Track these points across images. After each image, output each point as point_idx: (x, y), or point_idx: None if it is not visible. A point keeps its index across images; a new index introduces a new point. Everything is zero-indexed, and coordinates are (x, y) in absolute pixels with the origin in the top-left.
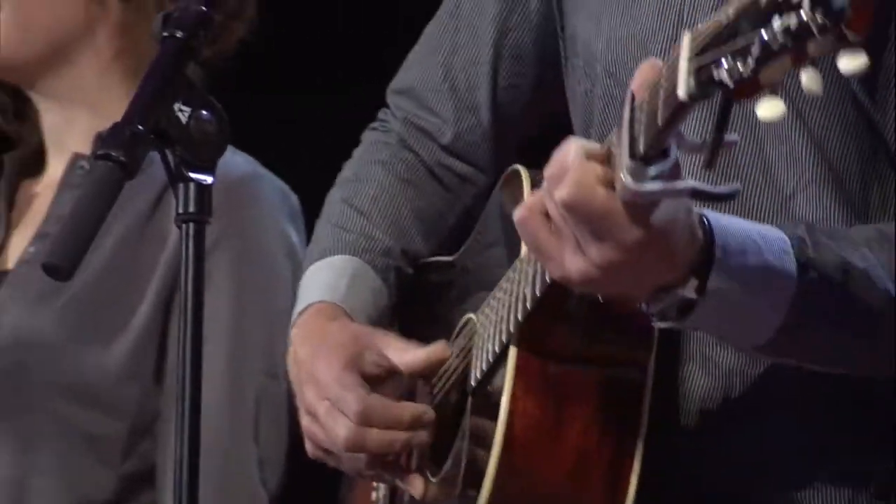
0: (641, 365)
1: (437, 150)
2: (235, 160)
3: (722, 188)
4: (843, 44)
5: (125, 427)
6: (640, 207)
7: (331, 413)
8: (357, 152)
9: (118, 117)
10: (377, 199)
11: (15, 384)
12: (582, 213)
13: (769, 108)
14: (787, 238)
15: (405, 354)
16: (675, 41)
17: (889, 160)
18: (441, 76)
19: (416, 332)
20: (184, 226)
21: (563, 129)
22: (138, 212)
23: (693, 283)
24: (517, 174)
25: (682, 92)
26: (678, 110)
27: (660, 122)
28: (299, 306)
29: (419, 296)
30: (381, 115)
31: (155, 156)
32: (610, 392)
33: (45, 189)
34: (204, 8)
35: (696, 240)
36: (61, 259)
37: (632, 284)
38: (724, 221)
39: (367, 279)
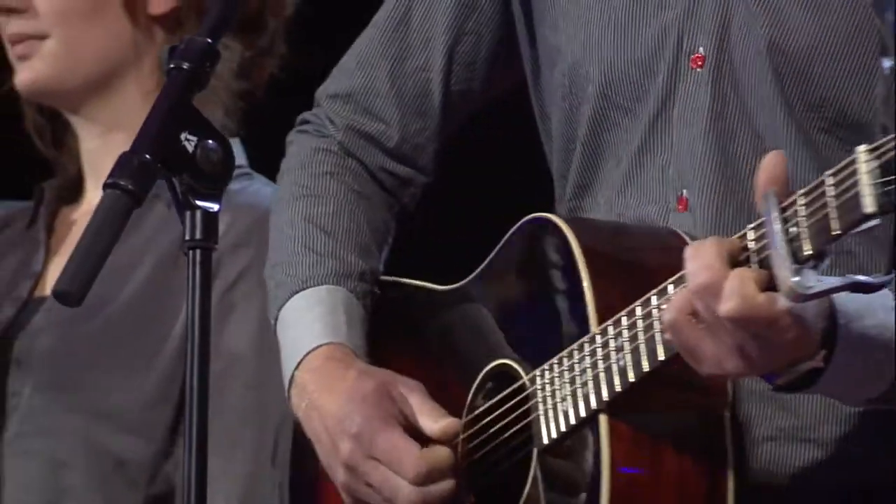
0: (720, 409)
1: (381, 156)
2: (265, 191)
3: (882, 277)
4: None
5: (152, 451)
6: (799, 308)
7: (386, 475)
8: (295, 157)
9: None
10: (338, 215)
11: (48, 407)
12: (747, 324)
13: None
14: (887, 291)
15: (438, 423)
16: (677, 66)
17: None
18: (388, 82)
19: (390, 353)
20: (190, 252)
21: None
22: (171, 241)
23: (821, 353)
24: (556, 228)
25: (869, 207)
26: (860, 222)
27: (835, 231)
28: (299, 348)
29: (390, 316)
30: (309, 117)
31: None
32: (695, 436)
33: (82, 216)
34: (209, 40)
35: (823, 311)
36: (70, 285)
37: (772, 367)
38: (847, 305)
39: (356, 311)
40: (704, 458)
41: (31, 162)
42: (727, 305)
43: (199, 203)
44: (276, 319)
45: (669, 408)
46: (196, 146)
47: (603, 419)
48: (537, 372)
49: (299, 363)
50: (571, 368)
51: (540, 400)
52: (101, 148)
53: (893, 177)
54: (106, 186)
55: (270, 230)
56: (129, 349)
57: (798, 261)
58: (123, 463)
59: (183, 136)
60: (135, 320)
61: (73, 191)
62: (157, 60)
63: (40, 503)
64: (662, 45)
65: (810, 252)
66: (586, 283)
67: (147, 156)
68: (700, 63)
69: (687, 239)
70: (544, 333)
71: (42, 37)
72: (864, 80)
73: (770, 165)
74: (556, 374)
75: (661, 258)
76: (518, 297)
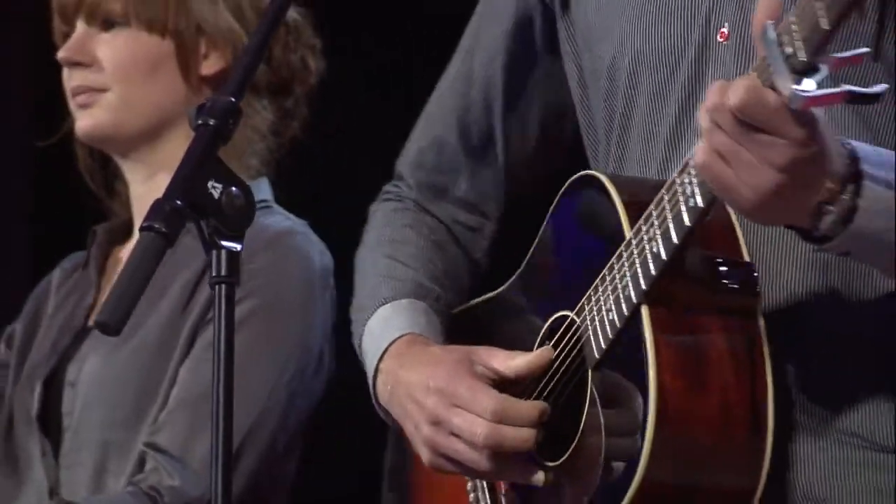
0: (754, 309)
1: (451, 207)
2: (278, 218)
3: (876, 87)
4: None
5: None
6: (803, 113)
7: (465, 416)
8: (378, 219)
9: None
10: (417, 256)
11: (94, 422)
12: (756, 114)
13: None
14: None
15: (511, 360)
16: (706, 43)
17: None
18: (455, 134)
19: None
20: (216, 287)
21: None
22: (194, 271)
23: (851, 187)
24: (594, 179)
25: None
26: (846, 9)
27: (824, 26)
28: (382, 343)
29: (460, 330)
30: (389, 187)
31: None
32: (735, 334)
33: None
34: (232, 99)
35: (843, 152)
36: (109, 318)
37: (799, 201)
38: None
39: (434, 319)
40: (744, 363)
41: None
42: (735, 96)
43: (223, 243)
44: (361, 339)
45: (707, 309)
46: (221, 193)
47: (645, 315)
48: (583, 300)
49: (382, 355)
50: (613, 280)
51: (588, 321)
52: (147, 192)
53: None
54: (142, 229)
55: (355, 278)
56: (159, 368)
57: (796, 71)
58: None
59: (210, 184)
60: (161, 341)
61: (125, 232)
62: None
63: None
64: (691, 27)
65: (805, 60)
66: (619, 208)
67: (178, 202)
68: (725, 37)
69: None
70: (591, 277)
71: (103, 90)
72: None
73: (765, 4)
74: (600, 293)
75: None
76: (569, 254)
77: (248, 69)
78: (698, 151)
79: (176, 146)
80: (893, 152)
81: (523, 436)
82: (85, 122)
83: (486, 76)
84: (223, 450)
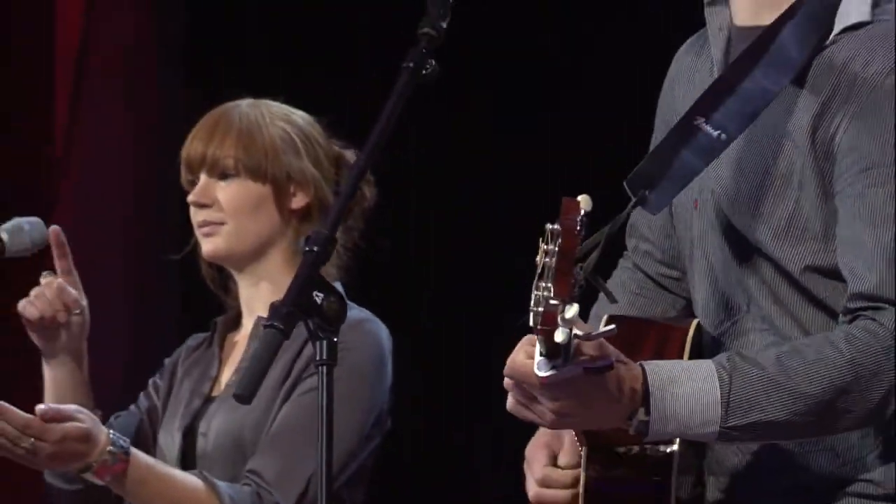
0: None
1: (655, 264)
2: (354, 312)
3: (600, 363)
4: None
5: None
6: (549, 384)
7: (528, 478)
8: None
9: None
10: (625, 312)
11: (221, 462)
12: (516, 377)
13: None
14: (712, 366)
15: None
16: (690, 208)
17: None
18: (649, 217)
19: None
20: (319, 368)
21: None
22: (292, 352)
23: (641, 412)
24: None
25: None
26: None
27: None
28: None
29: None
30: (625, 255)
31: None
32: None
33: (241, 339)
34: (328, 233)
35: (637, 382)
36: (244, 390)
37: (599, 421)
38: (655, 364)
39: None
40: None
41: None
42: (508, 366)
43: (323, 336)
44: None
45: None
46: (322, 300)
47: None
48: None
49: None
50: None
51: None
52: (253, 294)
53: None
54: (265, 326)
55: None
56: (263, 421)
57: (541, 354)
58: None
59: (314, 293)
60: (268, 402)
61: (236, 322)
62: (292, 237)
63: None
64: (689, 194)
65: (543, 352)
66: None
67: (291, 307)
68: (696, 205)
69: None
70: None
71: (222, 223)
72: (768, 218)
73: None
74: None
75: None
76: None
77: (341, 211)
78: (508, 399)
79: (275, 262)
80: (700, 362)
81: (558, 496)
82: (208, 247)
83: None
84: (325, 490)
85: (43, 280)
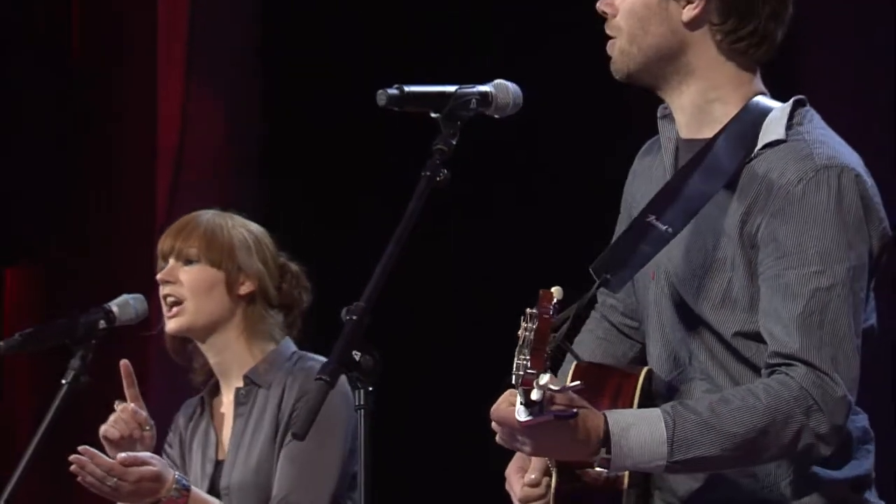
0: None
1: (619, 315)
2: (314, 361)
3: (567, 413)
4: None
5: None
6: (529, 429)
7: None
8: (584, 327)
9: (250, 365)
10: (593, 353)
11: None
12: (501, 422)
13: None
14: (659, 413)
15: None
16: (648, 279)
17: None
18: None
19: None
20: (359, 411)
21: None
22: (273, 409)
23: (603, 451)
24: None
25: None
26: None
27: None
28: None
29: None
30: (595, 307)
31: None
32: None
33: (226, 406)
34: (365, 306)
35: (600, 430)
36: (300, 430)
37: (570, 455)
38: (615, 413)
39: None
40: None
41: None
42: (494, 411)
43: (361, 386)
44: None
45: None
46: (360, 357)
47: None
48: None
49: None
50: None
51: None
52: (222, 362)
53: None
54: (317, 379)
55: None
56: (270, 471)
57: (521, 403)
58: None
59: (354, 353)
60: (268, 447)
61: (217, 389)
62: (241, 316)
63: None
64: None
65: (523, 402)
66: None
67: (336, 363)
68: (653, 276)
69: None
70: None
71: (181, 301)
72: (707, 293)
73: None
74: None
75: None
76: None
77: (375, 288)
78: (497, 435)
79: (231, 335)
80: (651, 410)
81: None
82: (172, 325)
83: None
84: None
85: (118, 407)
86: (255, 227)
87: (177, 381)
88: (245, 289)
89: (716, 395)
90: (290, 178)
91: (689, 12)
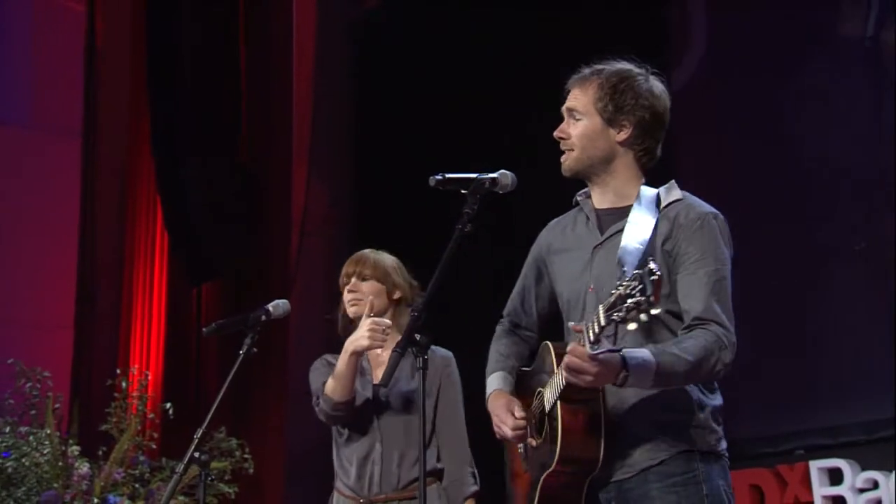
0: (597, 396)
1: (521, 329)
2: (441, 350)
3: (610, 350)
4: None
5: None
6: (594, 357)
7: (501, 426)
8: (496, 335)
9: (396, 339)
10: (508, 356)
11: (395, 429)
12: (574, 358)
13: (632, 326)
14: (647, 351)
15: (518, 412)
16: (587, 292)
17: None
18: (520, 301)
19: (522, 390)
20: (419, 372)
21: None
22: (411, 363)
23: (624, 373)
24: (547, 346)
25: (597, 327)
26: (603, 330)
27: (593, 337)
28: (489, 391)
29: (519, 381)
30: (501, 321)
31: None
32: (590, 405)
33: (376, 356)
34: (422, 306)
35: (618, 361)
36: (384, 382)
37: (605, 381)
38: (630, 351)
39: (508, 379)
40: (591, 412)
41: None
42: (569, 353)
43: (418, 355)
44: (487, 385)
45: (581, 400)
46: (420, 338)
47: (559, 404)
48: (544, 389)
49: (487, 397)
50: (549, 388)
51: (545, 398)
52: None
53: (609, 314)
54: (393, 350)
55: (488, 361)
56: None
57: (590, 341)
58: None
59: (415, 335)
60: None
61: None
62: (393, 313)
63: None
64: (583, 283)
65: (592, 340)
66: (554, 358)
67: (405, 341)
68: (592, 289)
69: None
70: (545, 380)
71: (360, 301)
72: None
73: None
74: (546, 390)
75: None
76: (539, 371)
77: (428, 300)
78: (568, 377)
79: (392, 322)
80: (645, 349)
81: (522, 432)
82: (352, 311)
83: (526, 280)
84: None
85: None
86: (393, 258)
87: (310, 359)
88: (397, 295)
89: (670, 342)
90: (376, 232)
91: (621, 135)
